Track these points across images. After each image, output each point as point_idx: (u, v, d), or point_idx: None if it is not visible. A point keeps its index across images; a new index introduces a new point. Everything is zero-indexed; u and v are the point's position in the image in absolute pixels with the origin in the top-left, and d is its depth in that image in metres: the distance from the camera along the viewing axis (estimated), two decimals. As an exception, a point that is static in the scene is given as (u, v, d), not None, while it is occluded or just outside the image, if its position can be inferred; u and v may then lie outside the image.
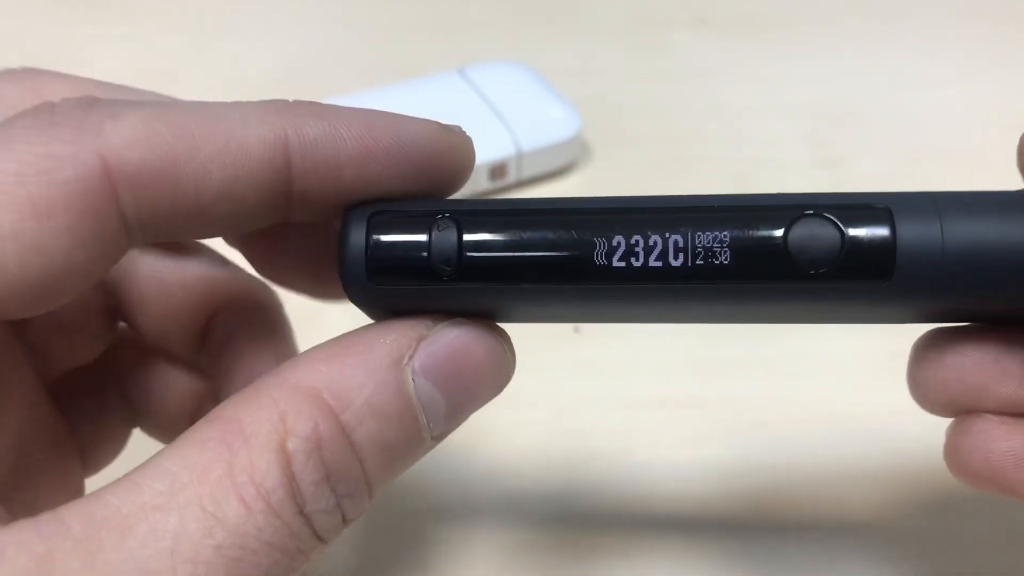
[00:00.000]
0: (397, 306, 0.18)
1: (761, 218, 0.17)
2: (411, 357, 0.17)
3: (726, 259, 0.17)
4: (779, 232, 0.17)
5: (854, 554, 0.27)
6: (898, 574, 0.27)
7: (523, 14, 0.54)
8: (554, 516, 0.29)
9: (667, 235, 0.17)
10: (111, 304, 0.23)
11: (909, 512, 0.28)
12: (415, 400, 0.17)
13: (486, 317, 0.19)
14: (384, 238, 0.18)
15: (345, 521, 0.17)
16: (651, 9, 0.54)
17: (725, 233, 0.17)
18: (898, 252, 0.17)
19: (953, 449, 0.20)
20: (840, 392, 0.32)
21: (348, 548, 0.28)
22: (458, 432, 0.25)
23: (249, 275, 0.24)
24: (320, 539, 0.16)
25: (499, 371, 0.19)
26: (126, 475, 0.15)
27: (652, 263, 0.17)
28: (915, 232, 0.17)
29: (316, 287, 0.22)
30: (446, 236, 0.17)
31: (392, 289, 0.18)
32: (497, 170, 0.40)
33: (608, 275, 0.17)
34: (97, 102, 0.17)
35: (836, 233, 0.17)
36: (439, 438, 0.18)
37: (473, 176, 0.41)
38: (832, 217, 0.17)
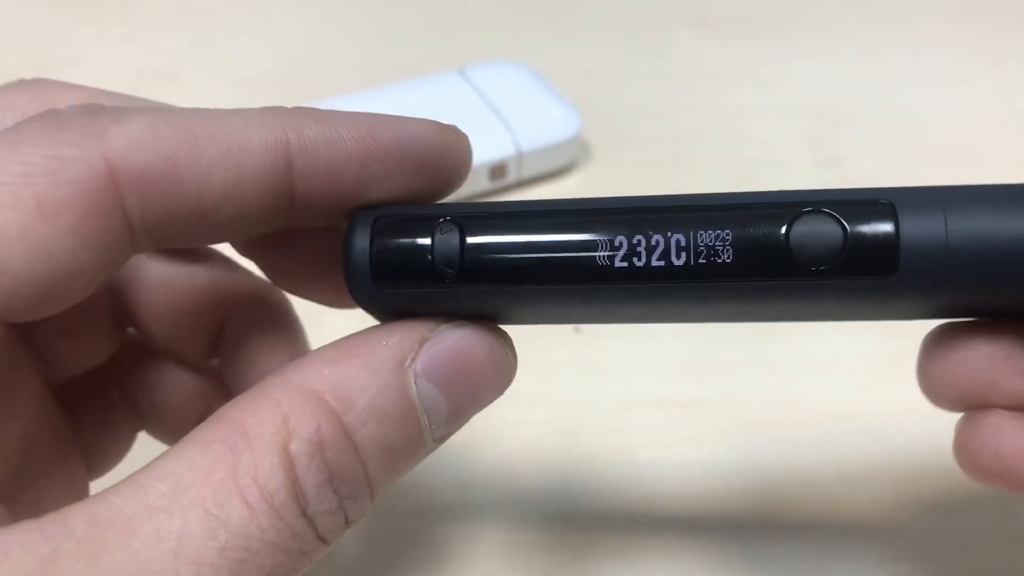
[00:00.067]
0: (402, 308, 0.18)
1: (763, 216, 0.17)
2: (413, 359, 0.17)
3: (728, 257, 0.17)
4: (781, 229, 0.17)
5: (854, 554, 0.27)
6: (899, 574, 0.27)
7: (523, 14, 0.54)
8: (554, 516, 0.29)
9: (669, 234, 0.17)
10: (118, 309, 0.23)
11: (909, 512, 0.28)
12: (417, 402, 0.17)
13: (489, 319, 0.19)
14: (388, 242, 0.18)
15: (348, 522, 0.17)
16: (651, 9, 0.54)
17: (727, 231, 0.17)
18: (902, 248, 0.16)
19: (963, 445, 0.20)
20: (840, 392, 0.32)
21: (350, 548, 0.28)
22: (459, 433, 0.25)
23: (258, 278, 0.24)
24: (323, 540, 0.16)
25: (501, 373, 0.19)
26: (130, 476, 0.15)
27: (655, 263, 0.17)
28: (919, 227, 0.16)
29: (329, 294, 0.22)
30: (449, 239, 0.17)
31: (396, 292, 0.18)
32: (497, 170, 0.40)
33: (610, 276, 0.17)
34: (102, 108, 0.17)
35: (838, 229, 0.17)
36: (441, 440, 0.18)
37: (473, 176, 0.41)
38: (834, 213, 0.17)
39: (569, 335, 0.34)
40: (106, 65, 0.49)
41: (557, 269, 0.17)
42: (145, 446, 0.25)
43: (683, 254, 0.17)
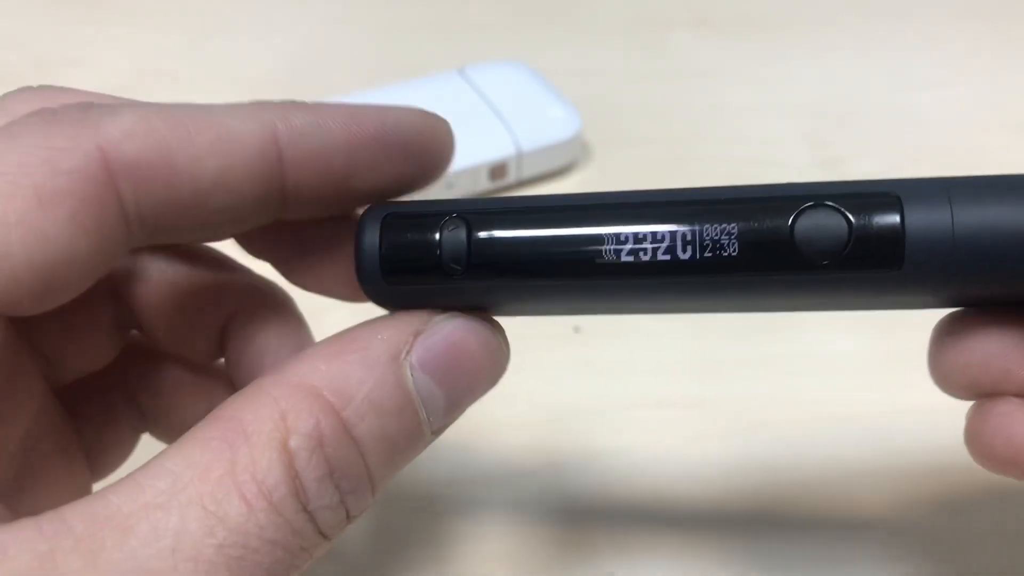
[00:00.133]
0: (411, 303, 0.19)
1: (768, 209, 0.17)
2: (408, 352, 0.17)
3: (734, 251, 0.17)
4: (785, 224, 0.17)
5: (854, 553, 0.27)
6: (899, 574, 0.27)
7: (523, 14, 0.54)
8: (554, 515, 0.29)
9: (674, 228, 0.17)
10: (121, 312, 0.23)
11: (909, 511, 0.28)
12: (415, 394, 0.17)
13: (496, 312, 0.19)
14: (397, 238, 0.18)
15: (349, 517, 0.17)
16: (651, 9, 0.54)
17: (733, 225, 0.17)
18: (907, 240, 0.16)
19: (975, 433, 0.19)
20: (840, 392, 0.32)
21: (350, 548, 0.28)
22: (459, 432, 0.25)
23: (261, 277, 0.24)
24: (324, 536, 0.16)
25: (494, 363, 0.19)
26: (129, 475, 0.16)
27: (660, 257, 0.17)
28: (924, 219, 0.16)
29: (343, 288, 0.22)
30: (456, 235, 0.18)
31: (406, 287, 0.18)
32: (497, 170, 0.40)
33: (616, 270, 0.17)
34: (95, 104, 0.17)
35: (843, 223, 0.17)
36: (438, 432, 0.18)
37: (473, 176, 0.41)
38: (839, 207, 0.17)
39: (569, 334, 0.34)
40: (106, 65, 0.49)
41: (563, 264, 0.17)
42: (149, 448, 0.25)
43: (688, 248, 0.17)
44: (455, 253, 0.18)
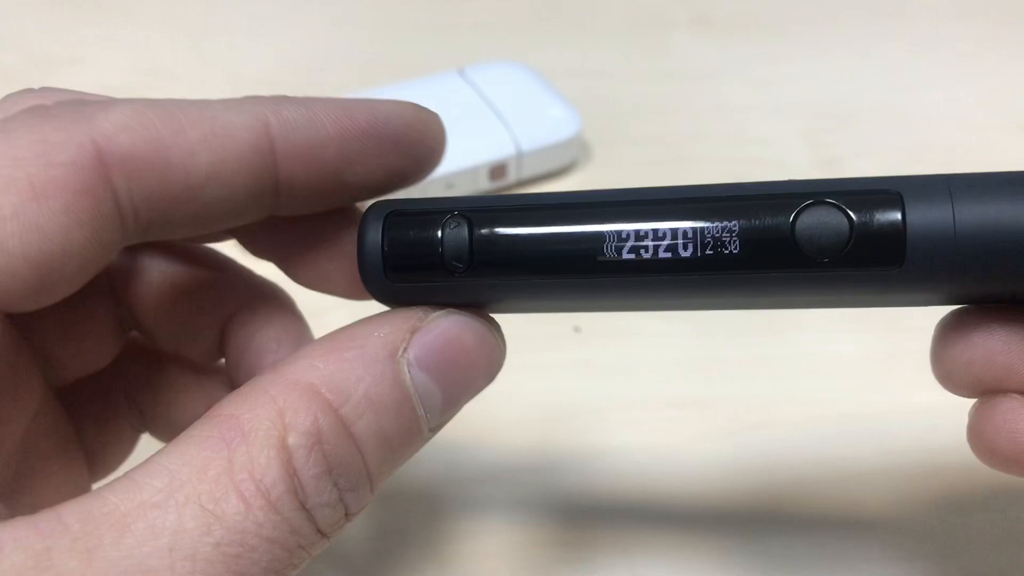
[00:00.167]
0: (413, 300, 0.19)
1: (769, 207, 0.17)
2: (405, 349, 0.18)
3: (735, 249, 0.17)
4: (787, 221, 0.17)
5: (854, 553, 0.27)
6: (899, 574, 0.27)
7: (523, 14, 0.54)
8: (554, 514, 0.29)
9: (676, 226, 0.17)
10: (121, 313, 0.23)
11: (909, 511, 0.28)
12: (412, 391, 0.17)
13: (497, 309, 0.19)
14: (399, 237, 0.18)
15: (347, 515, 0.17)
16: (651, 9, 0.54)
17: (734, 223, 0.17)
18: (908, 238, 0.16)
19: (978, 430, 0.19)
20: (840, 392, 0.32)
21: (351, 548, 0.28)
22: (459, 431, 0.25)
23: (261, 277, 0.24)
24: (322, 534, 0.16)
25: (491, 359, 0.19)
26: (126, 473, 0.15)
27: (661, 254, 0.17)
28: (926, 216, 0.16)
29: (346, 287, 0.22)
30: (457, 233, 0.18)
31: (408, 284, 0.18)
32: (497, 170, 0.40)
33: (617, 268, 0.17)
34: (87, 101, 0.17)
35: (844, 220, 0.17)
36: (436, 429, 0.19)
37: (473, 176, 0.41)
38: (840, 204, 0.17)
39: (569, 334, 0.34)
40: (106, 65, 0.49)
41: (564, 261, 0.18)
42: (149, 448, 0.25)
43: (690, 246, 0.17)
44: (457, 251, 0.18)
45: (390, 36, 0.52)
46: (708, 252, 0.17)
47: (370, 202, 0.19)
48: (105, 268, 0.20)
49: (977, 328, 0.19)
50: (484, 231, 0.18)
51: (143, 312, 0.23)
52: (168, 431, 0.24)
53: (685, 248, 0.17)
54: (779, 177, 0.18)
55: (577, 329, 0.34)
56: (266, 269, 0.23)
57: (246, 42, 0.52)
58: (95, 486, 0.23)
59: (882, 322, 0.33)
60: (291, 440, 0.16)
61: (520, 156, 0.41)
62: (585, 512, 0.29)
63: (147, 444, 0.25)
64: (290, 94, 0.19)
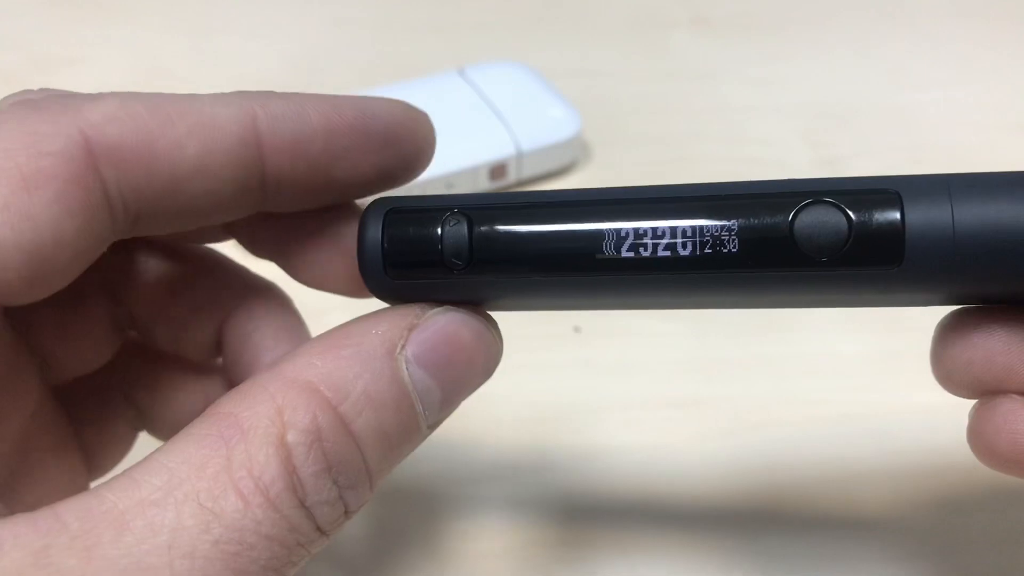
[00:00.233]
0: (413, 297, 0.19)
1: (768, 206, 0.17)
2: (403, 346, 0.18)
3: (734, 247, 0.17)
4: (786, 220, 0.17)
5: (854, 553, 0.27)
6: (899, 573, 0.27)
7: (523, 14, 0.54)
8: (554, 514, 0.29)
9: (675, 225, 0.17)
10: (118, 312, 0.23)
11: (909, 511, 0.28)
12: (411, 388, 0.17)
13: (496, 307, 0.19)
14: (399, 234, 0.18)
15: (347, 513, 0.17)
16: (651, 9, 0.54)
17: (733, 221, 0.17)
18: (907, 237, 0.16)
19: (978, 431, 0.19)
20: (840, 392, 0.32)
21: (351, 547, 0.28)
22: (459, 431, 0.25)
23: (258, 276, 0.24)
24: (322, 532, 0.16)
25: (488, 355, 0.19)
26: (125, 471, 0.15)
27: (660, 253, 0.17)
28: (924, 216, 0.16)
29: (348, 285, 0.22)
30: (457, 231, 0.18)
31: (408, 282, 0.18)
32: (497, 170, 0.40)
33: (616, 266, 0.17)
34: (76, 93, 0.18)
35: (843, 220, 0.17)
36: (434, 426, 0.19)
37: (473, 176, 0.41)
38: (839, 203, 0.17)
39: (569, 334, 0.34)
40: (106, 65, 0.49)
41: (563, 259, 0.18)
42: (147, 447, 0.25)
43: (689, 244, 0.17)
44: (457, 248, 0.18)
45: (390, 36, 0.52)
46: (707, 251, 0.17)
47: (371, 199, 0.19)
48: (102, 267, 0.20)
49: (977, 329, 0.19)
50: (483, 229, 0.18)
51: (140, 311, 0.23)
52: (166, 430, 0.24)
53: (684, 247, 0.17)
54: (779, 177, 0.18)
55: (577, 329, 0.34)
56: (264, 268, 0.23)
57: (246, 42, 0.52)
58: (93, 484, 0.23)
59: (882, 322, 0.33)
60: (290, 438, 0.16)
61: (520, 156, 0.41)
62: (585, 512, 0.29)
63: (145, 442, 0.25)
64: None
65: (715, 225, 0.17)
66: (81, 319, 0.22)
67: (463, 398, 0.19)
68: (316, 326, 0.24)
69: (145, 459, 0.16)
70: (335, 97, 0.19)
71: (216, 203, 0.18)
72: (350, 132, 0.19)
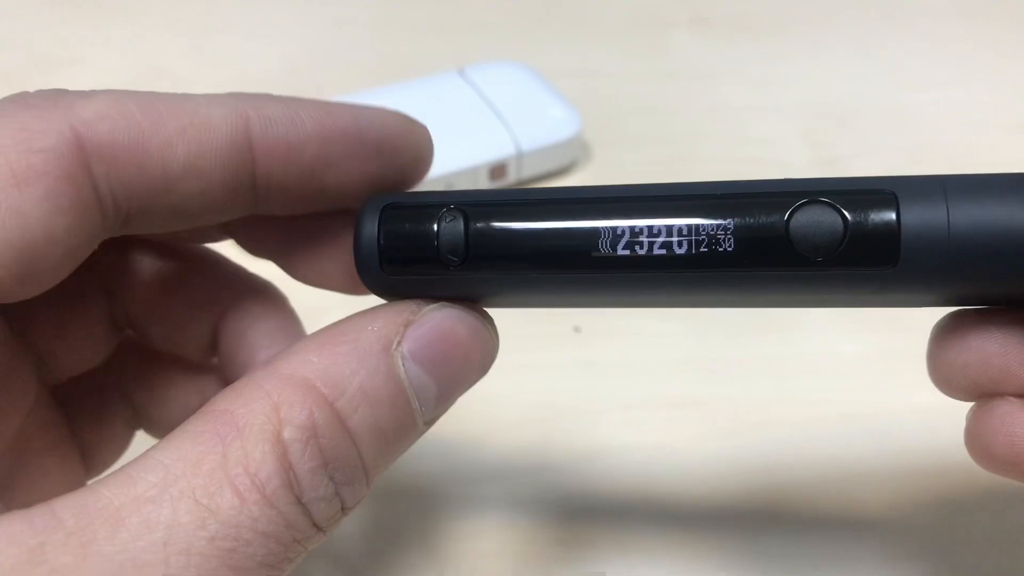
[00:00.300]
0: (409, 293, 0.19)
1: (764, 205, 0.17)
2: (399, 342, 0.18)
3: (730, 246, 0.17)
4: (782, 219, 0.17)
5: (854, 553, 0.27)
6: (899, 573, 0.27)
7: (523, 14, 0.54)
8: (554, 514, 0.29)
9: (671, 223, 0.17)
10: (115, 311, 0.23)
11: (909, 511, 0.28)
12: (407, 384, 0.17)
13: (492, 304, 0.19)
14: (395, 230, 0.18)
15: (344, 509, 0.17)
16: (651, 9, 0.54)
17: (729, 221, 0.17)
18: (903, 238, 0.16)
19: (975, 434, 0.19)
20: (840, 392, 0.32)
21: (350, 547, 0.28)
22: (459, 430, 0.25)
23: (253, 275, 0.24)
24: (318, 528, 0.16)
25: (484, 352, 0.19)
26: (120, 468, 0.15)
27: (656, 251, 0.17)
28: (920, 217, 0.16)
29: (345, 282, 0.22)
30: (453, 227, 0.18)
31: (404, 277, 0.18)
32: (497, 170, 0.40)
33: (612, 264, 0.17)
34: (68, 90, 0.18)
35: (838, 220, 0.17)
36: (430, 422, 0.19)
37: (473, 176, 0.41)
38: (835, 203, 0.17)
39: (569, 334, 0.34)
40: (106, 65, 0.49)
41: (559, 257, 0.18)
42: (144, 445, 0.25)
43: (684, 243, 0.17)
44: (453, 245, 0.18)
45: (390, 36, 0.52)
46: (703, 249, 0.17)
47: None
48: (99, 266, 0.21)
49: (973, 331, 0.19)
50: (480, 225, 0.18)
51: (136, 310, 0.23)
52: (162, 428, 0.24)
53: (680, 245, 0.17)
54: (779, 177, 0.18)
55: (577, 329, 0.34)
56: (262, 266, 0.23)
57: (246, 42, 0.52)
58: (90, 483, 0.23)
59: (882, 322, 0.33)
60: (286, 434, 0.16)
61: (520, 156, 0.41)
62: (585, 512, 0.29)
63: (142, 441, 0.25)
64: (289, 94, 0.19)
65: (711, 224, 0.17)
66: (78, 318, 0.22)
67: (459, 394, 0.19)
68: (315, 325, 0.24)
69: (141, 456, 0.16)
70: (330, 104, 0.19)
71: (207, 204, 0.18)
72: (343, 140, 0.19)
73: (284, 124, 0.18)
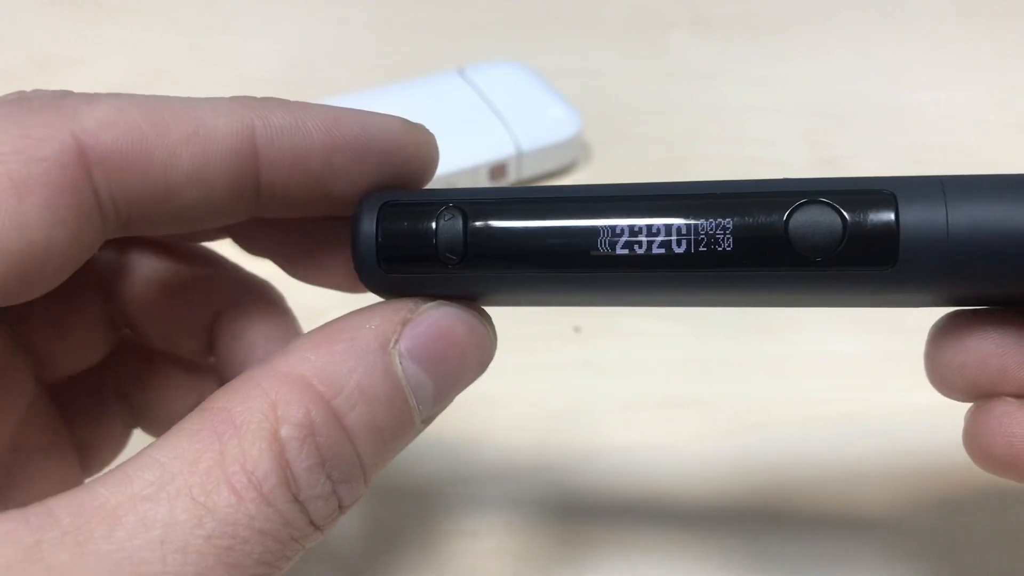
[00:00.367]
0: (407, 291, 0.19)
1: (763, 205, 0.17)
2: (397, 340, 0.18)
3: (729, 246, 0.17)
4: (781, 219, 0.17)
5: (854, 553, 0.27)
6: (899, 573, 0.27)
7: (523, 14, 0.54)
8: (554, 514, 0.29)
9: (670, 222, 0.17)
10: (112, 310, 0.23)
11: (909, 511, 0.28)
12: (404, 382, 0.17)
13: (491, 302, 0.19)
14: (393, 228, 0.18)
15: (341, 508, 0.17)
16: (651, 9, 0.54)
17: (728, 220, 0.17)
18: (901, 238, 0.16)
19: (974, 435, 0.19)
20: (840, 392, 0.32)
21: (350, 547, 0.28)
22: (459, 430, 0.25)
23: (250, 273, 0.24)
24: (315, 526, 0.16)
25: (482, 350, 0.19)
26: (117, 467, 0.15)
27: (655, 250, 0.17)
28: (919, 217, 0.16)
29: (343, 280, 0.22)
30: (452, 226, 0.18)
31: (402, 276, 0.18)
32: (497, 170, 0.40)
33: (611, 263, 0.17)
34: (71, 93, 0.17)
35: (837, 220, 0.17)
36: (428, 421, 0.18)
37: (473, 176, 0.41)
38: (834, 203, 0.17)
39: (569, 334, 0.34)
40: (106, 65, 0.49)
41: (558, 255, 0.18)
42: (142, 444, 0.25)
43: (683, 242, 0.17)
44: (451, 243, 0.18)
45: (390, 36, 0.52)
46: (701, 249, 0.17)
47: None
48: (95, 266, 0.20)
49: (970, 331, 0.19)
50: (478, 224, 0.18)
51: (133, 309, 0.23)
52: (160, 427, 0.24)
53: (679, 244, 0.17)
54: (778, 177, 0.18)
55: (577, 329, 0.34)
56: (259, 266, 0.23)
57: (246, 42, 0.52)
58: (87, 481, 0.23)
59: (882, 322, 0.33)
60: (284, 432, 0.16)
61: (520, 156, 0.41)
62: (585, 512, 0.29)
63: (140, 440, 0.25)
64: (290, 94, 0.19)
65: (710, 223, 0.17)
66: (75, 317, 0.22)
67: (457, 393, 0.19)
68: (314, 325, 0.24)
69: (138, 454, 0.16)
70: (337, 111, 0.19)
71: (209, 210, 0.18)
72: (349, 150, 0.18)
73: (290, 133, 0.18)
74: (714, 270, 0.17)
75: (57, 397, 0.22)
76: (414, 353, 0.18)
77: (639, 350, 0.34)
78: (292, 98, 0.19)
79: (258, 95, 0.19)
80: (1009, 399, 0.19)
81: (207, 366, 0.24)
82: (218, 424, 0.16)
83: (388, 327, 0.18)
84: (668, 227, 0.17)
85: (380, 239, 0.18)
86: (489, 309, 0.20)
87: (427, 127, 0.20)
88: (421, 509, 0.29)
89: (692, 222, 0.17)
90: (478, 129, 0.41)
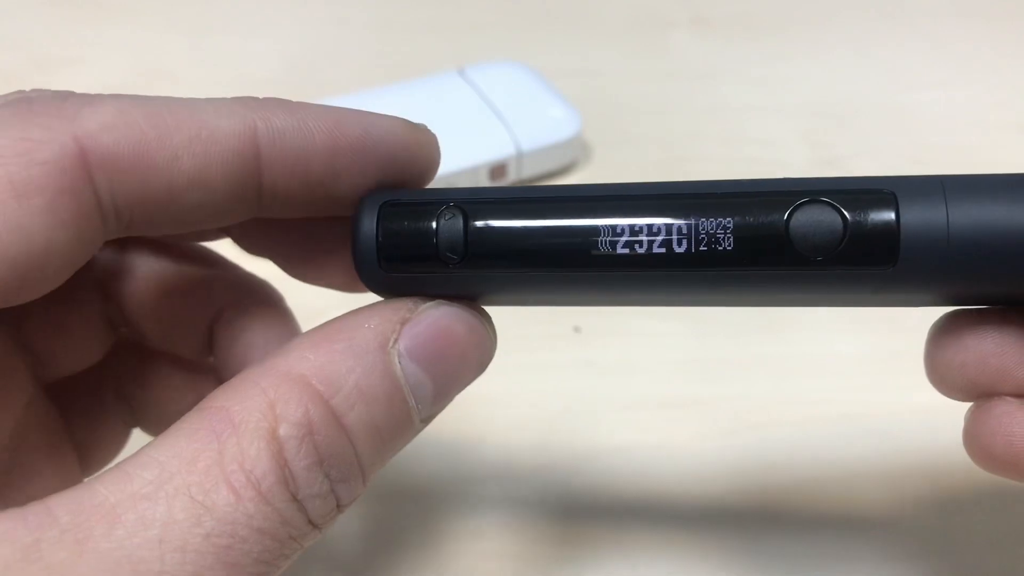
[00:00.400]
0: (407, 291, 0.19)
1: (763, 204, 0.17)
2: (396, 340, 0.17)
3: (729, 245, 0.17)
4: (781, 218, 0.17)
5: (854, 553, 0.27)
6: (899, 574, 0.27)
7: (523, 14, 0.54)
8: (554, 514, 0.29)
9: (671, 222, 0.17)
10: (110, 310, 0.23)
11: (909, 511, 0.28)
12: (403, 382, 0.17)
13: (491, 302, 0.19)
14: (394, 227, 0.18)
15: (339, 507, 0.17)
16: (651, 9, 0.54)
17: (728, 219, 0.17)
18: (902, 238, 0.16)
19: (973, 435, 0.19)
20: (840, 392, 0.32)
21: (349, 547, 0.28)
22: (458, 431, 0.25)
23: (249, 273, 0.24)
24: (314, 525, 0.16)
25: (481, 350, 0.19)
26: (116, 465, 0.15)
27: (656, 250, 0.17)
28: (920, 217, 0.16)
29: (343, 279, 0.22)
30: (452, 225, 0.18)
31: (402, 275, 0.18)
32: (497, 170, 0.40)
33: (612, 262, 0.17)
34: (72, 93, 0.17)
35: (838, 219, 0.17)
36: (427, 420, 0.18)
37: (473, 176, 0.41)
38: (834, 203, 0.17)
39: (569, 334, 0.34)
40: (106, 65, 0.49)
41: (558, 255, 0.18)
42: (141, 444, 0.25)
43: (684, 242, 0.17)
44: (451, 242, 0.18)
45: (390, 36, 0.52)
46: (702, 248, 0.17)
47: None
48: (95, 266, 0.20)
49: (970, 331, 0.19)
50: (479, 223, 0.18)
51: (132, 309, 0.23)
52: (158, 426, 0.24)
53: (679, 244, 0.17)
54: (778, 177, 0.18)
55: (577, 329, 0.34)
56: (258, 266, 0.23)
57: (246, 42, 0.52)
58: (86, 480, 0.23)
59: (882, 322, 0.33)
60: (282, 431, 0.16)
61: (520, 156, 0.41)
62: (585, 512, 0.29)
63: (139, 439, 0.25)
64: (290, 94, 0.19)
65: (711, 223, 0.17)
66: (73, 317, 0.22)
67: (456, 392, 0.19)
68: (313, 324, 0.24)
69: (137, 453, 0.16)
70: (340, 112, 0.19)
71: (211, 212, 0.18)
72: (352, 152, 0.18)
73: (292, 135, 0.18)
74: (715, 269, 0.17)
75: (56, 397, 0.22)
76: (413, 353, 0.18)
77: (639, 350, 0.34)
78: (292, 98, 0.19)
79: (258, 95, 0.19)
80: (1009, 398, 0.19)
81: (206, 366, 0.24)
82: (216, 423, 0.16)
83: (387, 326, 0.18)
84: (669, 227, 0.17)
85: (380, 238, 0.18)
86: (489, 309, 0.20)
87: (423, 123, 0.20)
88: (421, 509, 0.29)
89: (693, 221, 0.17)
90: (478, 129, 0.41)
